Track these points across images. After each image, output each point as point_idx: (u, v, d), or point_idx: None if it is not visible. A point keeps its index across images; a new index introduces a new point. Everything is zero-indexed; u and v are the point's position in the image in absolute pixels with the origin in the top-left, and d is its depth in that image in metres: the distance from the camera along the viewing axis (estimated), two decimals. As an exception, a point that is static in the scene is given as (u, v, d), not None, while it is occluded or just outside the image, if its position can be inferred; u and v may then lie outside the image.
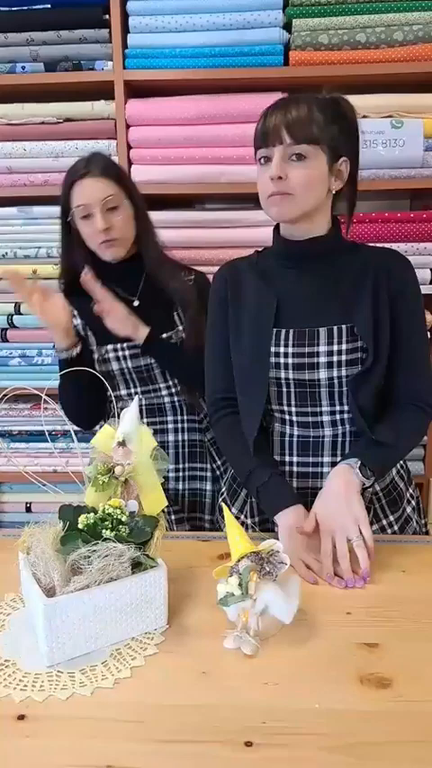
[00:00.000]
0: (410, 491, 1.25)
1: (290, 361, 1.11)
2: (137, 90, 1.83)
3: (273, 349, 1.12)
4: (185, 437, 1.49)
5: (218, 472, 1.52)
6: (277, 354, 1.12)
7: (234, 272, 1.21)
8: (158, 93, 1.82)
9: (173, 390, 1.47)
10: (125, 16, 1.78)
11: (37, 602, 0.80)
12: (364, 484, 1.06)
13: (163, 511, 0.93)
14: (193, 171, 1.79)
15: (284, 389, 1.14)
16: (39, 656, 0.82)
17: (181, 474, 1.50)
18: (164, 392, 1.47)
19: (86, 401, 1.41)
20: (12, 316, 1.95)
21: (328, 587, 0.97)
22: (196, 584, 0.97)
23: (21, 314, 1.95)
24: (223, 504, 1.03)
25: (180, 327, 1.43)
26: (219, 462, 1.52)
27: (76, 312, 1.42)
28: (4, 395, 1.06)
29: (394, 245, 1.75)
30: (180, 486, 1.50)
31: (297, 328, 1.11)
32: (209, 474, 1.50)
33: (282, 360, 1.12)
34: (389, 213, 1.82)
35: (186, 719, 0.71)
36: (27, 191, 1.88)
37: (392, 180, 1.79)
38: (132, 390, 1.45)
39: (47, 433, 2.02)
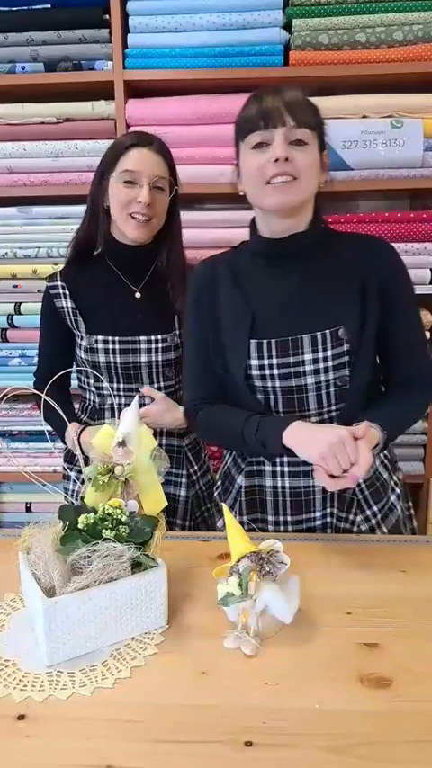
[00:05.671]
0: (394, 479, 1.22)
1: (275, 372, 1.09)
2: (137, 90, 1.83)
3: (255, 362, 1.09)
4: (163, 441, 1.43)
5: (194, 477, 1.48)
6: (261, 367, 1.09)
7: (211, 273, 1.18)
8: (158, 93, 1.82)
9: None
10: (125, 16, 1.78)
11: (37, 602, 0.80)
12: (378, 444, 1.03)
13: None
14: (193, 171, 1.79)
15: (272, 396, 1.12)
16: (39, 656, 0.82)
17: None
18: None
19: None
20: (12, 316, 1.95)
21: (328, 588, 0.97)
22: (196, 585, 0.97)
23: (21, 314, 1.95)
24: (223, 505, 1.03)
25: (178, 332, 1.39)
26: (195, 467, 1.49)
27: (66, 292, 1.36)
28: (4, 395, 1.06)
29: (394, 245, 1.75)
30: None
31: (279, 338, 1.08)
32: (184, 480, 1.46)
33: (267, 371, 1.09)
34: (389, 213, 1.82)
35: (186, 719, 0.71)
36: (27, 191, 1.88)
37: (392, 180, 1.79)
38: (115, 385, 1.40)
39: (47, 433, 2.02)
